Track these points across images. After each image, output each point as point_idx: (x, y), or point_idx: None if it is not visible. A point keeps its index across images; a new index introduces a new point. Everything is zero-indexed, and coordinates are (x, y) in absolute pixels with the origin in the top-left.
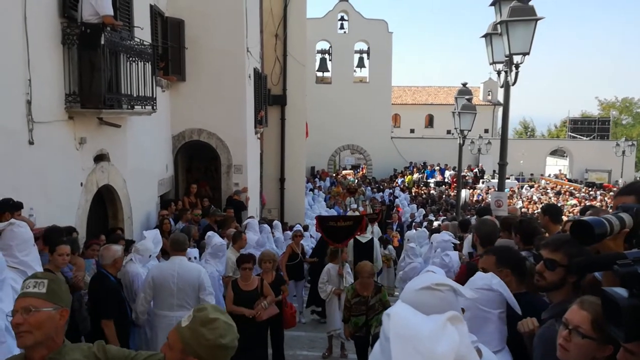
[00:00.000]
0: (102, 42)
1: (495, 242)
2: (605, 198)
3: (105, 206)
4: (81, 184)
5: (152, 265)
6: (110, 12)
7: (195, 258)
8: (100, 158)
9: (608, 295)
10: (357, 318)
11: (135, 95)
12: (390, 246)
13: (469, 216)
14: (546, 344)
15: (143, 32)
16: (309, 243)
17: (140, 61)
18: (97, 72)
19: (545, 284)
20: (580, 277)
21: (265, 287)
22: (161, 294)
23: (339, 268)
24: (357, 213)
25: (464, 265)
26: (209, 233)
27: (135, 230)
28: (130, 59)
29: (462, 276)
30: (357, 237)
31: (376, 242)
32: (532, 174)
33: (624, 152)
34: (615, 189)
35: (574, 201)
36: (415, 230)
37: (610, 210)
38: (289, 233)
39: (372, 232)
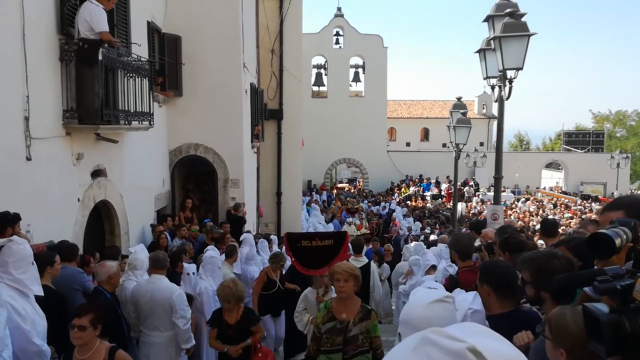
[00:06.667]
0: (100, 58)
1: (473, 253)
2: None
3: (102, 221)
4: (78, 200)
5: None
6: (106, 28)
7: (193, 274)
8: (97, 173)
9: (589, 310)
10: (328, 356)
11: (132, 111)
12: (385, 264)
13: (464, 229)
14: (541, 356)
15: (140, 48)
16: None
17: (138, 77)
18: (94, 88)
19: (529, 298)
20: (561, 294)
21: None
22: (140, 312)
23: (317, 294)
24: (353, 227)
25: (447, 278)
26: (209, 247)
27: (132, 246)
28: (128, 74)
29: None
30: (351, 260)
31: (373, 266)
32: (528, 186)
33: (618, 164)
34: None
35: (569, 214)
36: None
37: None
38: None
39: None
